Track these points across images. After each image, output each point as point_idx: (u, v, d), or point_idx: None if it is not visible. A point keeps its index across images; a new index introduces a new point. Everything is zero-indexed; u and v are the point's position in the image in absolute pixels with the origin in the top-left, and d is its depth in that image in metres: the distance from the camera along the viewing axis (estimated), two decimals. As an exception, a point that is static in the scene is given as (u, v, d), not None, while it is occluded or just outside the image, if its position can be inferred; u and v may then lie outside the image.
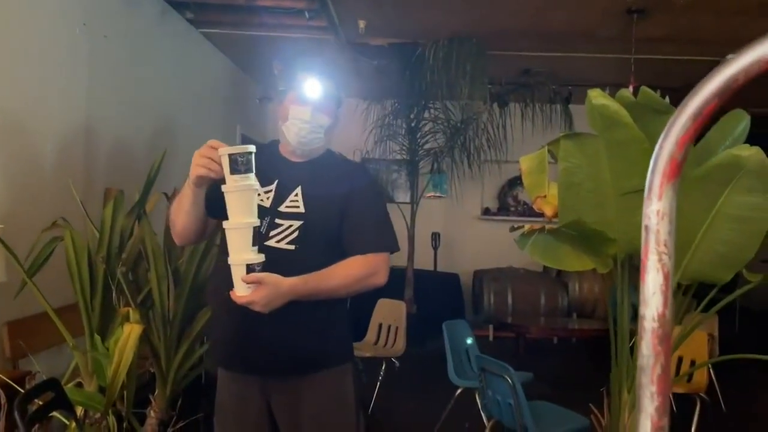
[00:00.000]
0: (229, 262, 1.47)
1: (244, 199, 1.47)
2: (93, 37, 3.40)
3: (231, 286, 1.48)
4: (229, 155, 1.45)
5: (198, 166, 1.49)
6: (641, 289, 0.50)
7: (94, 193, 3.23)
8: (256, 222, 1.49)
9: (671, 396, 2.51)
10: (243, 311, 1.49)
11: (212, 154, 1.48)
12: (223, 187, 1.48)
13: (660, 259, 0.49)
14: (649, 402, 0.49)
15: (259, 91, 6.65)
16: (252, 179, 1.47)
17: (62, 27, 3.17)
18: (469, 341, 3.62)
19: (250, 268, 1.44)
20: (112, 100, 3.65)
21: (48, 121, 3.07)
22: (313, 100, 1.65)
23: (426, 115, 5.88)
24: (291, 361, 1.62)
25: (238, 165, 1.44)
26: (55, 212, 2.68)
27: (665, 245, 0.49)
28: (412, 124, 5.89)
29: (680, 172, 0.49)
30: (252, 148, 1.49)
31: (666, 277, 0.48)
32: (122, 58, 3.78)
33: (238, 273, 1.45)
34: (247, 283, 1.44)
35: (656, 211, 0.49)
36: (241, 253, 1.46)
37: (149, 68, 4.14)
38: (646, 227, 0.49)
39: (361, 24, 4.72)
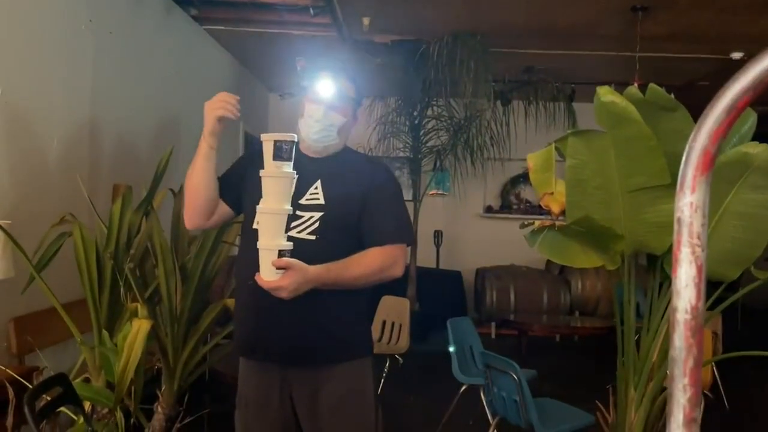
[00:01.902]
0: (258, 246, 1.49)
1: (282, 185, 1.51)
2: (98, 34, 3.40)
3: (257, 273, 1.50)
4: (275, 142, 1.49)
5: (216, 109, 1.57)
6: (674, 281, 0.50)
7: (99, 189, 3.24)
8: (290, 210, 1.53)
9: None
10: (267, 301, 1.51)
11: (230, 99, 1.57)
12: (262, 172, 1.51)
13: (693, 252, 0.49)
14: (681, 394, 0.49)
15: (277, 87, 6.66)
16: (291, 168, 1.51)
17: (68, 23, 3.17)
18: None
19: (281, 254, 1.46)
20: (117, 96, 3.65)
21: (54, 116, 3.07)
22: (326, 99, 1.67)
23: (429, 112, 5.88)
24: (312, 352, 1.64)
25: (281, 152, 1.49)
26: (61, 208, 2.69)
27: (698, 238, 0.49)
28: (416, 122, 5.89)
29: (713, 165, 0.49)
30: (295, 137, 1.54)
31: (699, 270, 0.49)
32: (127, 54, 3.78)
33: (267, 258, 1.47)
34: (277, 268, 1.46)
35: (689, 203, 0.49)
36: (273, 238, 1.48)
37: (154, 65, 4.14)
38: (679, 220, 0.50)
39: (365, 21, 4.73)
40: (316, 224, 1.63)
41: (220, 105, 1.58)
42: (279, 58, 5.64)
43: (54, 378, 1.94)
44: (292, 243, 1.51)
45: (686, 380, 0.49)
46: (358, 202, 1.66)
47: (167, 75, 4.35)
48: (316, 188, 1.67)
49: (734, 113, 0.47)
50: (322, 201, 1.65)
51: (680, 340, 0.49)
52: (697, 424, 0.50)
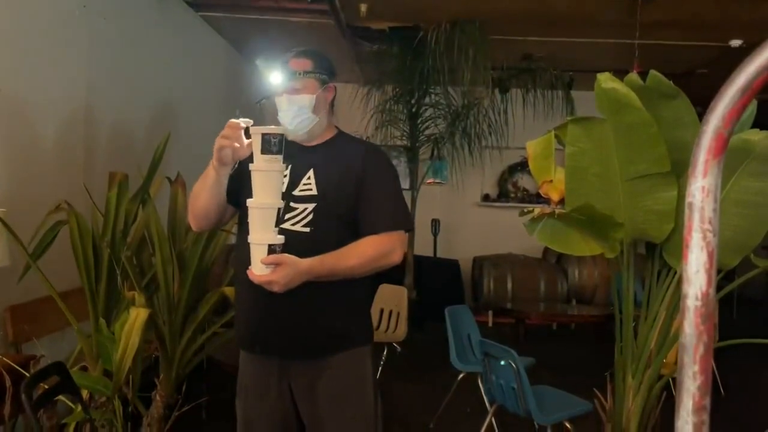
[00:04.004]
0: (249, 241, 1.47)
1: (271, 180, 1.47)
2: (92, 20, 3.36)
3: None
4: (262, 135, 1.45)
5: (220, 139, 1.52)
6: (684, 267, 0.49)
7: (95, 177, 3.21)
8: (281, 204, 1.50)
9: (671, 380, 2.52)
10: (264, 295, 1.49)
11: (234, 132, 1.50)
12: (251, 166, 1.48)
13: (704, 237, 0.48)
14: (691, 381, 0.48)
15: (259, 91, 6.58)
16: (281, 162, 1.48)
17: (61, 9, 3.13)
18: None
19: (271, 249, 1.44)
20: (112, 83, 3.61)
21: (49, 104, 3.03)
22: (282, 86, 1.66)
23: (427, 100, 5.84)
24: (311, 344, 1.63)
25: (270, 145, 1.45)
26: (57, 196, 2.66)
27: (710, 223, 0.48)
28: (413, 110, 5.86)
29: (726, 148, 0.48)
30: (284, 130, 1.50)
31: (710, 256, 0.48)
32: (122, 40, 3.73)
33: (257, 252, 1.45)
34: (267, 264, 1.44)
35: (701, 187, 0.48)
36: (263, 232, 1.46)
37: (149, 51, 4.10)
38: (690, 204, 0.48)
39: (363, 8, 4.68)
40: (310, 216, 1.60)
41: (224, 139, 1.52)
42: (275, 44, 5.58)
43: (51, 366, 1.94)
44: (283, 237, 1.48)
45: (696, 367, 0.48)
46: (351, 190, 1.63)
47: (163, 61, 4.31)
48: (308, 178, 1.64)
49: (749, 93, 0.46)
50: (314, 191, 1.62)
51: (690, 327, 0.48)
52: (706, 412, 0.49)
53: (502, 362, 2.77)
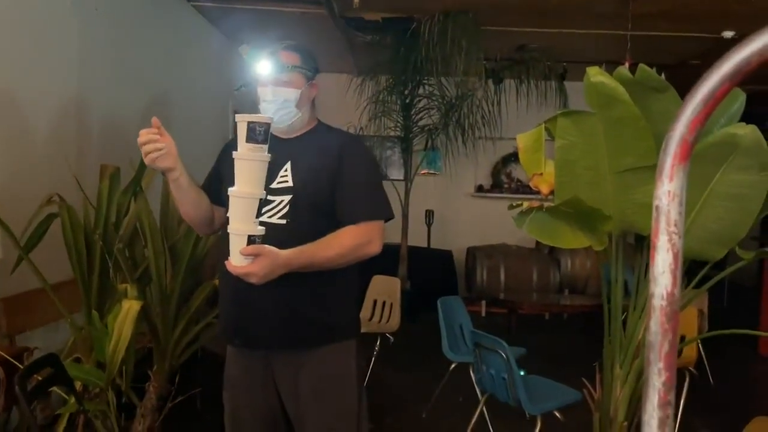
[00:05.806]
0: (228, 230, 1.45)
1: (254, 169, 1.44)
2: (84, 10, 3.34)
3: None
4: (248, 123, 1.42)
5: (145, 157, 1.52)
6: (651, 268, 0.51)
7: (87, 169, 3.21)
8: (263, 195, 1.47)
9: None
10: (246, 287, 1.48)
11: (149, 137, 1.53)
12: (235, 154, 1.45)
13: (670, 239, 0.50)
14: (656, 377, 0.50)
15: (241, 78, 6.54)
16: (265, 151, 1.45)
17: (52, 0, 3.11)
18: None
19: (250, 240, 1.42)
20: (104, 75, 3.60)
21: (39, 95, 3.02)
22: (268, 77, 1.64)
23: (420, 91, 5.85)
24: (293, 335, 1.63)
25: (255, 134, 1.42)
26: (49, 188, 2.66)
27: (675, 225, 0.50)
28: (407, 101, 5.86)
29: (691, 153, 0.50)
30: (270, 119, 1.48)
31: (675, 257, 0.50)
32: (113, 31, 3.72)
33: (236, 243, 1.42)
34: (246, 255, 1.42)
35: (667, 192, 0.49)
36: (243, 223, 1.43)
37: (141, 42, 4.08)
38: (657, 208, 0.50)
39: (356, -2, 4.66)
40: (286, 208, 1.60)
41: (144, 153, 1.52)
42: (268, 35, 5.56)
43: (45, 358, 1.95)
44: (263, 228, 1.46)
45: (661, 364, 0.50)
46: (327, 181, 1.62)
47: (155, 53, 4.29)
48: (285, 171, 1.64)
49: (712, 103, 0.48)
50: (290, 183, 1.62)
51: (656, 325, 0.50)
52: (671, 406, 0.51)
53: (493, 373, 2.81)
